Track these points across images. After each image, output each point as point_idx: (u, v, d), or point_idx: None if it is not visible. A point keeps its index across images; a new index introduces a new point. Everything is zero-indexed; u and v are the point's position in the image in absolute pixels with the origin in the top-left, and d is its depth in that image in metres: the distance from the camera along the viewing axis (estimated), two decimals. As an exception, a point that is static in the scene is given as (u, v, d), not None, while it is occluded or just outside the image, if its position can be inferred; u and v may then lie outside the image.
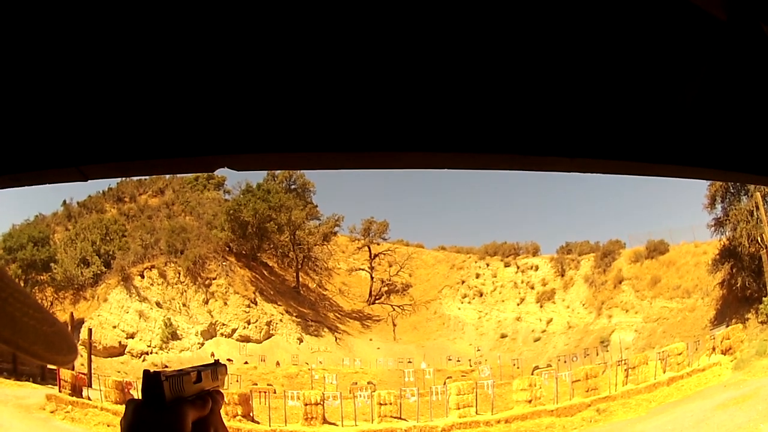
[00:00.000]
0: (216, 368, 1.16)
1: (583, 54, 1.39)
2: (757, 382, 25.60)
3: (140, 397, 0.97)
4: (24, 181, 1.47)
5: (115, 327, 47.51)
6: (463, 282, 68.48)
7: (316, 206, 68.34)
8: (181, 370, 1.04)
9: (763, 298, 36.35)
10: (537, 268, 63.81)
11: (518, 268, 65.37)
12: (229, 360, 43.63)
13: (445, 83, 1.41)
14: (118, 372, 39.92)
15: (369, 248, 71.16)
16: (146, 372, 0.96)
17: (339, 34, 1.36)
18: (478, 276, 67.99)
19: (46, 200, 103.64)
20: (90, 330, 42.17)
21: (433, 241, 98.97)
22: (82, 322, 45.27)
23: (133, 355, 46.95)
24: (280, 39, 1.36)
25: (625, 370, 31.25)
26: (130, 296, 50.02)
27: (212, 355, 47.59)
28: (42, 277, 50.03)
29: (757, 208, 38.28)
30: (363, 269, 71.73)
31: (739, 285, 39.78)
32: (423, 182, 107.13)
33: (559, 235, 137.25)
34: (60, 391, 28.94)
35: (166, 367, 43.70)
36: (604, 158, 1.47)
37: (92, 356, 38.20)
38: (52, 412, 27.85)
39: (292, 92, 1.40)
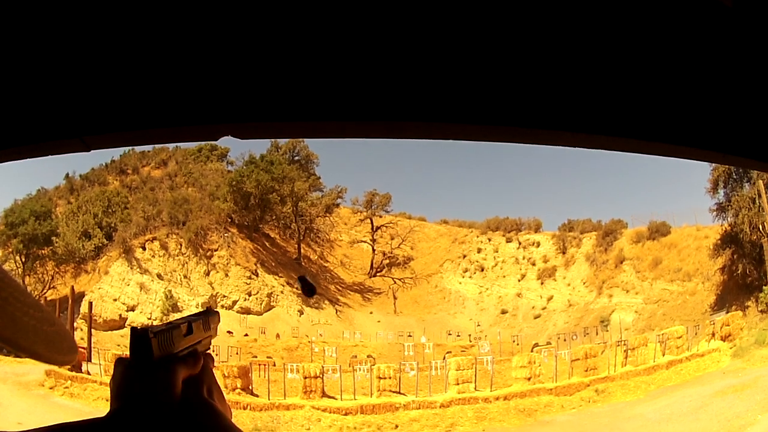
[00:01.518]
0: (207, 317, 1.11)
1: (587, 30, 1.37)
2: (757, 371, 25.68)
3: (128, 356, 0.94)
4: (26, 154, 1.50)
5: (115, 300, 47.85)
6: (464, 256, 68.76)
7: (319, 178, 68.67)
8: (170, 323, 0.99)
9: (764, 287, 36.43)
10: (539, 244, 63.99)
11: (520, 243, 65.58)
12: (229, 332, 43.95)
13: (449, 53, 1.40)
14: (119, 345, 40.08)
15: (371, 220, 71.32)
16: (134, 329, 0.92)
17: (344, 3, 1.34)
18: (479, 251, 68.23)
19: (49, 174, 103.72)
20: (90, 303, 42.23)
21: (435, 214, 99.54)
22: (82, 295, 45.55)
23: (132, 326, 47.13)
24: (283, 6, 1.34)
25: (625, 351, 31.37)
26: (131, 269, 50.31)
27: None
28: (43, 251, 50.31)
29: (760, 195, 38.21)
30: (365, 241, 71.98)
31: (739, 272, 39.91)
32: (426, 155, 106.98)
33: (562, 211, 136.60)
34: (60, 367, 29.04)
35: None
36: (606, 134, 1.47)
37: (92, 330, 38.34)
38: (51, 388, 27.99)
39: (296, 60, 1.39)
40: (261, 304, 54.43)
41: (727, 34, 1.31)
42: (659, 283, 50.09)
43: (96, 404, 26.79)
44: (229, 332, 44.26)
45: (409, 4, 1.33)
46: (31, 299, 0.70)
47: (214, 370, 1.07)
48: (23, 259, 49.25)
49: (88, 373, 29.98)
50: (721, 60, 1.37)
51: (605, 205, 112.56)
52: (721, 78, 1.39)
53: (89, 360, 32.19)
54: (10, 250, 48.82)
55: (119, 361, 0.93)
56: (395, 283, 65.79)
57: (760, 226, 38.12)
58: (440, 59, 1.39)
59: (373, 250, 70.59)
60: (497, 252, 66.77)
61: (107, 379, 28.70)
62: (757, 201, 38.44)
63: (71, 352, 0.76)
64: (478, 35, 1.37)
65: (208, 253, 55.14)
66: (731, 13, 1.26)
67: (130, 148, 55.55)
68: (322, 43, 1.36)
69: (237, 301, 53.52)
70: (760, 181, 37.63)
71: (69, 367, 28.81)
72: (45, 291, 49.01)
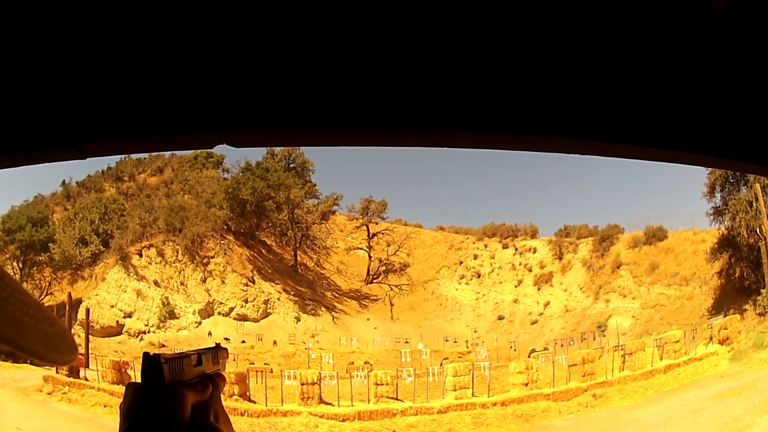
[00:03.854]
0: (217, 352, 1.13)
1: (586, 36, 1.38)
2: (754, 374, 25.76)
3: (140, 381, 0.95)
4: (23, 161, 1.48)
5: (112, 306, 47.82)
6: (461, 263, 68.82)
7: (315, 185, 68.60)
8: (181, 353, 1.01)
9: (762, 290, 36.49)
10: (535, 250, 64.04)
11: (516, 250, 65.65)
12: (226, 339, 43.92)
13: (447, 61, 1.39)
14: (116, 352, 40.16)
15: (367, 227, 71.37)
16: (146, 355, 0.94)
17: (339, 11, 1.34)
18: (476, 257, 68.31)
19: (46, 181, 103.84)
20: (87, 310, 42.32)
21: (431, 221, 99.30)
22: (80, 301, 45.45)
23: (130, 335, 47.28)
24: (279, 15, 1.34)
25: (622, 355, 31.47)
26: (128, 275, 50.25)
27: (209, 334, 48.00)
28: (40, 258, 50.14)
29: (757, 199, 38.38)
30: (361, 248, 72.00)
31: (737, 275, 40.01)
32: (422, 162, 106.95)
33: (558, 217, 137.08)
34: (57, 372, 28.99)
35: (163, 346, 43.99)
36: (601, 140, 1.47)
37: (90, 336, 38.28)
38: (49, 393, 27.94)
39: (292, 69, 1.39)
40: (258, 311, 54.37)
41: (722, 37, 1.32)
42: (656, 288, 50.14)
43: (93, 410, 26.75)
44: (225, 339, 44.21)
45: (405, 12, 1.34)
46: (31, 299, 0.69)
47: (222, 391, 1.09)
48: (20, 266, 49.02)
49: (86, 379, 30.01)
50: (717, 63, 1.38)
51: (601, 211, 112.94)
52: (717, 81, 1.40)
53: (87, 366, 32.17)
54: (7, 256, 48.56)
55: (130, 385, 0.94)
56: (392, 289, 65.75)
57: (757, 230, 38.23)
58: (436, 67, 1.39)
59: (370, 257, 70.57)
60: (494, 258, 66.82)
61: (105, 385, 28.87)
62: (754, 204, 38.55)
63: (71, 352, 0.76)
64: (473, 42, 1.37)
65: (205, 260, 55.11)
66: (726, 15, 1.26)
67: (126, 155, 55.59)
68: (317, 51, 1.37)
69: (234, 308, 53.45)
70: (757, 185, 37.79)
71: (66, 372, 28.79)
72: (42, 297, 48.65)
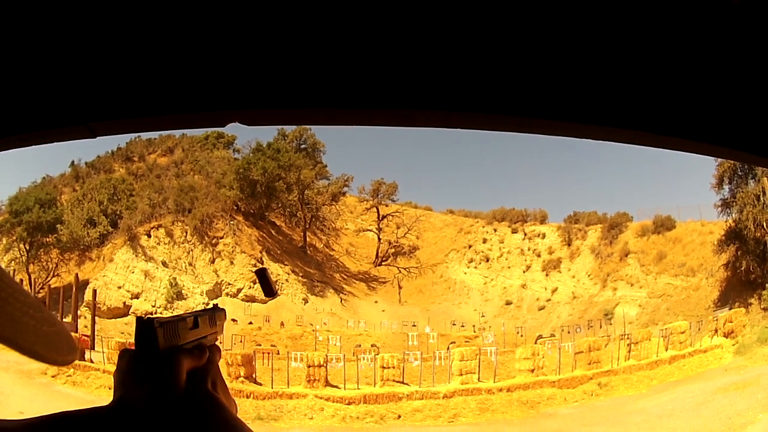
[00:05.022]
0: (214, 313, 1.13)
1: (598, 22, 1.37)
2: (758, 369, 25.68)
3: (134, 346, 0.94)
4: (31, 141, 1.49)
5: (120, 287, 48.05)
6: (470, 246, 68.78)
7: (326, 166, 68.54)
8: (176, 315, 1.00)
9: (767, 284, 36.28)
10: (544, 235, 63.91)
11: (525, 234, 65.53)
12: (233, 320, 44.06)
13: (458, 41, 1.39)
14: (122, 333, 40.19)
15: (377, 209, 71.42)
16: (139, 319, 0.92)
17: None
18: (485, 241, 68.25)
19: (54, 161, 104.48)
20: (94, 291, 42.61)
21: (441, 204, 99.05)
22: (87, 283, 45.65)
23: (137, 316, 47.33)
24: None
25: (628, 344, 31.41)
26: (136, 256, 50.47)
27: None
28: (48, 239, 50.27)
29: (764, 193, 38.15)
30: (370, 230, 72.06)
31: (743, 268, 39.80)
32: (433, 144, 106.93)
33: (568, 203, 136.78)
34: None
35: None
36: (614, 126, 1.47)
37: (96, 317, 38.50)
38: (53, 376, 28.13)
39: (304, 46, 1.39)
40: (266, 292, 54.44)
41: (735, 29, 1.31)
42: (663, 278, 50.03)
43: (99, 392, 26.88)
44: (233, 320, 44.39)
45: None
46: (31, 299, 0.70)
47: (219, 362, 1.08)
48: (27, 247, 49.29)
49: (91, 361, 30.14)
50: (729, 55, 1.36)
51: (611, 198, 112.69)
52: (729, 73, 1.39)
53: (92, 348, 32.36)
54: (15, 238, 48.91)
55: (124, 351, 0.94)
56: (400, 272, 65.86)
57: (764, 224, 38.11)
58: (448, 47, 1.39)
59: (379, 239, 70.67)
60: (502, 243, 66.73)
61: (110, 367, 28.95)
62: (761, 198, 38.41)
63: (71, 353, 0.75)
64: (486, 23, 1.36)
65: (214, 241, 55.24)
66: (739, 8, 1.26)
67: (136, 135, 55.57)
68: (331, 29, 1.36)
69: (242, 288, 53.58)
70: (765, 178, 37.57)
71: (72, 354, 28.92)
72: (49, 279, 49.20)
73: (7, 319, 0.64)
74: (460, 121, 1.51)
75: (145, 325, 0.91)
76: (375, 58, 1.39)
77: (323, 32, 1.36)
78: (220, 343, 1.16)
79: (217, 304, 1.22)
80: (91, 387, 27.84)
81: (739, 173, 40.28)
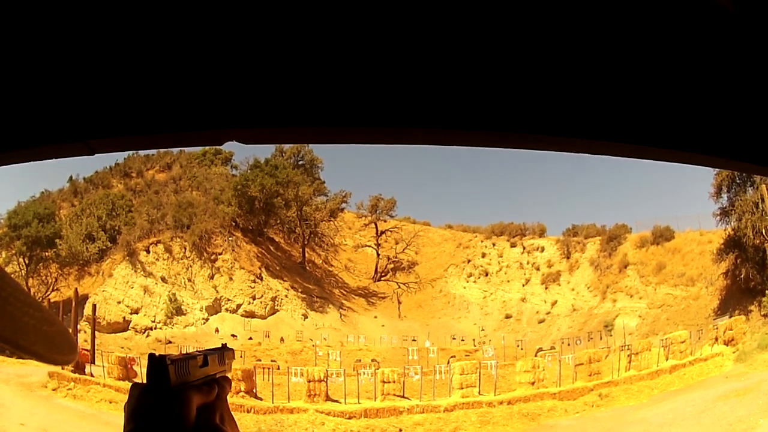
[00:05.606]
0: (223, 353, 1.14)
1: (593, 36, 1.39)
2: (759, 375, 25.60)
3: (145, 381, 0.95)
4: (30, 156, 1.48)
5: (119, 302, 47.87)
6: (468, 261, 68.72)
7: (324, 182, 68.72)
8: (187, 354, 1.02)
9: (767, 291, 36.31)
10: (543, 249, 63.90)
11: (524, 248, 65.52)
12: (233, 336, 44.07)
13: (455, 58, 1.40)
14: (122, 348, 40.16)
15: (376, 225, 71.42)
16: (151, 356, 0.93)
17: (350, 8, 1.35)
18: (484, 255, 68.21)
19: (53, 176, 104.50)
20: (94, 306, 42.44)
21: (440, 219, 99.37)
22: (86, 298, 45.51)
23: (137, 331, 47.29)
24: (288, 12, 1.34)
25: (628, 355, 31.39)
26: (135, 271, 50.33)
27: (216, 330, 48.05)
28: (47, 254, 50.12)
29: (763, 200, 38.24)
30: (369, 246, 71.99)
31: (743, 276, 39.75)
32: (431, 160, 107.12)
33: (566, 216, 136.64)
34: (62, 369, 29.06)
35: (170, 342, 44.05)
36: (610, 140, 1.47)
37: (96, 332, 38.37)
38: (54, 389, 28.07)
39: (301, 65, 1.39)
40: (265, 307, 54.39)
41: (730, 39, 1.33)
42: (663, 288, 49.93)
43: (99, 406, 26.82)
44: (233, 336, 44.32)
45: (416, 10, 1.34)
46: (31, 299, 0.69)
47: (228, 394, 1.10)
48: (26, 261, 49.10)
49: (91, 375, 30.02)
50: (725, 65, 1.37)
51: (609, 210, 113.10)
52: (725, 83, 1.41)
53: (92, 362, 32.23)
54: (14, 252, 48.63)
55: (135, 386, 0.95)
56: (400, 287, 65.78)
57: (763, 231, 38.12)
58: (447, 65, 1.39)
59: (378, 255, 70.60)
60: (501, 257, 66.70)
61: (110, 381, 28.96)
62: (760, 205, 38.44)
63: (71, 352, 0.76)
64: (484, 41, 1.38)
65: (213, 257, 55.16)
66: (735, 18, 1.27)
67: (135, 152, 55.62)
68: (327, 48, 1.37)
69: (241, 304, 53.44)
70: (763, 186, 37.65)
71: (72, 368, 28.86)
72: (48, 293, 48.94)
73: (7, 319, 0.64)
74: (458, 139, 1.51)
75: (158, 362, 0.93)
76: (373, 76, 1.40)
77: (319, 52, 1.37)
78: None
79: (225, 344, 1.23)
80: (91, 401, 27.72)
81: (738, 181, 40.42)
